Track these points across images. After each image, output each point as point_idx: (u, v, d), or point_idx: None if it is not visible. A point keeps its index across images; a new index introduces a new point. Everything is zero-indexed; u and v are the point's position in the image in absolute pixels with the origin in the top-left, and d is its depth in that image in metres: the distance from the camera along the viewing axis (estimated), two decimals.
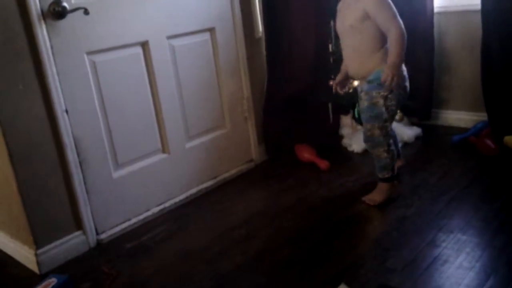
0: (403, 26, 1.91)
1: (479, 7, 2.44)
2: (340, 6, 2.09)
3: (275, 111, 2.75)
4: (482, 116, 2.65)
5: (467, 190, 2.16)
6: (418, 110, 2.94)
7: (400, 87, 1.99)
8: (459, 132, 2.72)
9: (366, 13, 1.92)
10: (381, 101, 1.98)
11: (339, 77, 2.19)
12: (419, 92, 2.88)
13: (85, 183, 2.03)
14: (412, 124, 2.92)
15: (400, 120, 2.81)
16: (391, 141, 2.08)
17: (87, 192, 2.04)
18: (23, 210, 1.87)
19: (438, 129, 2.93)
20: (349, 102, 2.68)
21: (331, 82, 2.31)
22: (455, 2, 2.77)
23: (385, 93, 1.97)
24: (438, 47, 2.84)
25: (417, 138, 2.82)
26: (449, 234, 1.83)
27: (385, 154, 2.06)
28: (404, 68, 2.02)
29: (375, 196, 2.13)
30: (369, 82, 2.00)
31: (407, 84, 2.05)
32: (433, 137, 2.85)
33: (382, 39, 1.96)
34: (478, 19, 2.46)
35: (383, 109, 1.99)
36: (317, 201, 2.25)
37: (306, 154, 2.68)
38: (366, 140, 2.10)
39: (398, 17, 1.91)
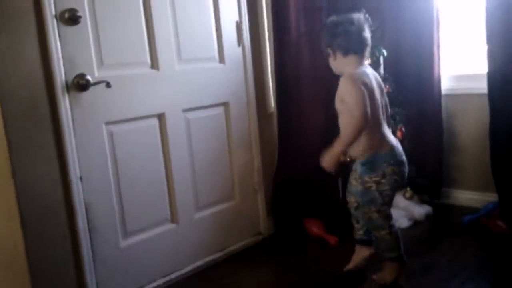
0: (364, 116, 1.80)
1: (486, 90, 2.51)
2: None
3: (285, 184, 2.77)
4: (493, 197, 2.64)
5: (480, 272, 2.11)
6: (428, 188, 2.94)
7: (395, 173, 1.92)
8: (470, 212, 2.70)
9: (342, 96, 1.90)
10: (373, 186, 1.92)
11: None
12: (429, 170, 2.91)
13: (92, 252, 2.02)
14: (422, 202, 2.91)
15: (410, 198, 2.81)
16: (392, 222, 2.01)
17: (93, 260, 2.03)
18: (28, 276, 1.85)
19: (449, 208, 2.91)
20: None
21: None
22: (463, 85, 2.85)
23: (378, 178, 1.91)
24: (447, 128, 2.89)
25: (427, 216, 2.80)
26: None
27: (388, 236, 1.99)
28: (401, 153, 1.96)
29: (385, 276, 2.07)
30: (362, 164, 1.94)
31: (405, 169, 1.97)
32: (444, 216, 2.82)
33: (376, 123, 1.90)
34: (485, 101, 2.53)
35: (377, 193, 1.93)
36: (324, 277, 2.20)
37: (315, 228, 2.66)
38: (366, 223, 2.05)
39: (364, 107, 1.80)
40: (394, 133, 2.74)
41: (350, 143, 1.86)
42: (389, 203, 1.99)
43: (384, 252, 2.05)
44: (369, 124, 1.82)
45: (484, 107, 2.55)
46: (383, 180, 1.91)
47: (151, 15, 2.17)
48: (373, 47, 2.69)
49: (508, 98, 2.44)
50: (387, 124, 2.01)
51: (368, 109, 1.80)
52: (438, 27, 2.77)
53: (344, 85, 1.86)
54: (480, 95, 2.64)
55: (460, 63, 2.91)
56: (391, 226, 2.00)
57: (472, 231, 2.56)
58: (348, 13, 1.95)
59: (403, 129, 2.77)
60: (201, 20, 2.39)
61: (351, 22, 1.89)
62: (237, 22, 2.54)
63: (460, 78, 2.89)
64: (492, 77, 2.48)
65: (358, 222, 2.10)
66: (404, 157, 1.98)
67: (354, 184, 1.99)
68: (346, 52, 1.89)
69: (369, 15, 2.68)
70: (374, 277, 2.09)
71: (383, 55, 2.74)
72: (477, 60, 2.77)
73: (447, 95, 2.86)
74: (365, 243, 2.12)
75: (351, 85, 1.84)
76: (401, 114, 2.77)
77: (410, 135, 2.82)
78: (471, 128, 2.84)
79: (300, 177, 2.55)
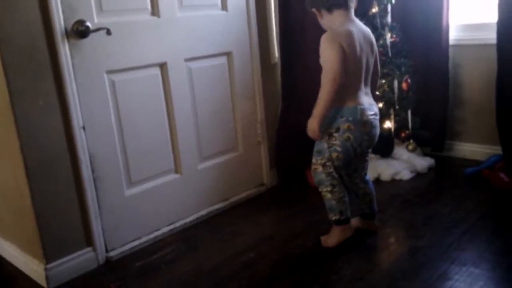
0: (337, 77, 1.77)
1: (495, 41, 2.46)
2: None
3: (288, 136, 2.76)
4: (497, 150, 2.64)
5: (480, 223, 2.14)
6: (432, 140, 2.93)
7: (350, 130, 1.87)
8: (473, 165, 2.71)
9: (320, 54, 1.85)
10: (325, 137, 1.91)
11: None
12: (433, 123, 2.89)
13: (97, 200, 2.04)
14: (425, 154, 2.91)
15: (413, 150, 2.80)
16: (338, 183, 1.95)
17: (99, 208, 2.05)
18: (35, 224, 1.88)
19: (452, 161, 2.91)
20: None
21: None
22: (471, 35, 2.79)
23: (331, 131, 1.89)
24: (452, 79, 2.85)
25: (430, 168, 2.81)
26: (461, 267, 1.81)
27: (329, 195, 1.95)
28: (369, 114, 1.89)
29: (328, 239, 2.04)
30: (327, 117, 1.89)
31: (370, 131, 1.91)
32: (447, 168, 2.83)
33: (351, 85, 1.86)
34: (493, 52, 2.48)
35: (325, 145, 1.91)
36: (327, 227, 2.23)
37: None
38: (312, 173, 2.01)
39: (337, 69, 1.77)
40: (399, 84, 2.73)
41: (329, 105, 1.82)
42: (339, 162, 1.92)
43: (328, 212, 2.00)
44: (342, 84, 1.79)
45: (492, 58, 2.51)
46: (335, 134, 1.89)
47: None
48: None
49: None
50: (371, 84, 1.96)
51: (342, 70, 1.77)
52: None
53: (321, 43, 1.82)
54: (488, 45, 2.58)
55: (469, 12, 2.83)
56: (333, 186, 1.94)
57: (474, 183, 2.57)
58: None
59: (408, 80, 2.73)
60: None
61: None
62: None
63: (468, 27, 2.82)
64: (501, 27, 2.41)
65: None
66: (372, 119, 1.90)
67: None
68: (329, 8, 1.84)
69: None
70: (321, 237, 2.08)
71: (391, 2, 2.67)
72: (486, 9, 2.69)
73: (455, 45, 2.80)
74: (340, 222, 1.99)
75: (326, 45, 1.80)
76: (407, 64, 2.72)
77: (416, 87, 2.78)
78: (477, 80, 2.79)
79: (304, 128, 2.52)
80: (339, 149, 1.91)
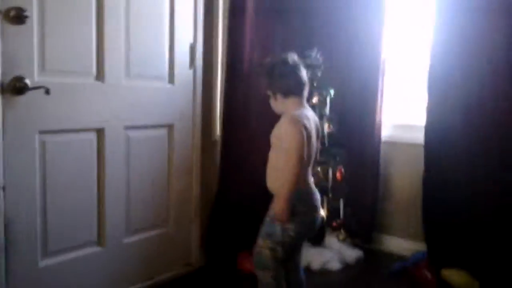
0: (300, 159, 1.74)
1: (422, 142, 2.62)
2: None
3: (222, 215, 2.70)
4: (422, 246, 2.72)
5: None
6: (361, 232, 2.99)
7: (304, 214, 1.83)
8: (399, 259, 2.76)
9: (280, 134, 1.83)
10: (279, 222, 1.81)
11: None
12: (363, 214, 2.96)
13: (6, 271, 1.83)
14: (354, 245, 2.94)
15: (344, 240, 2.83)
16: (281, 269, 1.87)
17: (6, 281, 1.83)
18: None
19: (379, 254, 2.96)
20: None
21: None
22: (402, 134, 2.97)
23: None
24: (383, 174, 2.98)
25: (358, 260, 2.82)
26: None
27: (271, 281, 1.85)
28: (317, 198, 1.89)
29: None
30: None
31: (316, 216, 1.89)
32: (374, 261, 2.86)
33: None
34: (421, 152, 2.63)
35: (278, 228, 1.81)
36: None
37: (248, 264, 2.59)
38: (254, 256, 1.89)
39: (301, 151, 1.75)
40: (333, 174, 2.81)
41: (293, 186, 1.76)
42: (288, 248, 1.85)
43: None
44: (302, 166, 1.77)
45: (420, 157, 2.65)
46: (291, 217, 1.80)
47: (103, 25, 2.08)
48: (321, 87, 2.76)
49: (443, 151, 2.56)
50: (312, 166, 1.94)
51: (304, 154, 1.77)
52: (383, 77, 2.88)
53: (285, 125, 1.81)
54: (417, 145, 2.74)
55: (401, 113, 3.04)
56: (279, 272, 1.86)
57: (399, 279, 2.60)
58: (269, 48, 1.93)
59: (342, 170, 2.81)
60: (155, 38, 2.33)
61: (286, 63, 1.86)
62: (191, 44, 2.50)
63: (399, 127, 3.01)
64: (429, 130, 2.59)
65: None
66: (317, 203, 1.90)
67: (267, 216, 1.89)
68: (286, 94, 1.85)
69: (322, 53, 2.77)
70: None
71: (331, 95, 2.80)
72: (416, 111, 2.90)
73: (386, 142, 2.96)
74: None
75: (292, 127, 1.78)
76: (342, 155, 2.82)
77: (349, 177, 2.87)
78: (406, 176, 2.93)
79: (240, 209, 2.50)
80: (292, 233, 1.82)
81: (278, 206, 1.79)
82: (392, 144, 2.98)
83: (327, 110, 2.85)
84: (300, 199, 1.82)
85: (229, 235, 2.66)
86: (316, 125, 1.92)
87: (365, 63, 2.90)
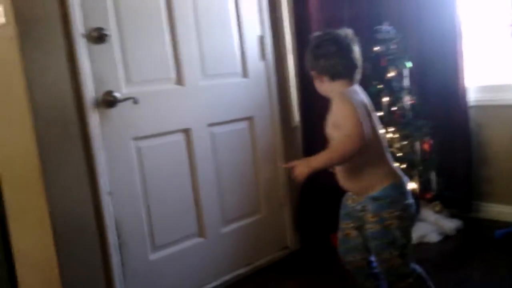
0: (362, 135, 1.50)
1: None
2: None
3: (311, 199, 2.75)
4: None
5: None
6: (458, 201, 2.88)
7: (411, 206, 1.63)
8: (502, 226, 2.62)
9: (336, 120, 1.59)
10: (394, 223, 1.57)
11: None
12: (459, 184, 2.85)
13: (122, 265, 2.05)
14: (452, 216, 2.85)
15: (440, 211, 2.75)
16: (415, 266, 1.66)
17: (123, 274, 2.05)
18: None
19: (481, 222, 2.83)
20: None
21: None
22: (491, 96, 2.80)
23: (399, 213, 1.58)
24: (476, 139, 2.84)
25: (458, 230, 2.73)
26: None
27: (415, 282, 1.63)
28: (405, 180, 1.65)
29: None
30: (376, 199, 1.59)
31: (411, 202, 1.64)
32: (476, 230, 2.75)
33: (379, 148, 1.61)
34: None
35: (398, 232, 1.58)
36: None
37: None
38: (387, 273, 1.65)
39: (361, 127, 1.51)
40: (421, 146, 2.74)
41: (337, 162, 1.58)
42: (410, 242, 1.66)
43: None
44: (365, 143, 1.51)
45: None
46: (405, 214, 1.60)
47: (175, 31, 2.22)
48: (397, 59, 2.70)
49: None
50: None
51: (367, 129, 1.52)
52: (461, 38, 2.73)
53: (337, 106, 1.59)
54: (508, 106, 2.58)
55: (488, 74, 2.86)
56: (414, 270, 1.65)
57: (505, 245, 2.48)
58: (337, 28, 1.66)
59: (430, 141, 2.73)
60: (224, 35, 2.43)
61: (334, 41, 1.60)
62: (259, 37, 2.57)
63: (487, 88, 2.84)
64: None
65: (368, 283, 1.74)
66: (408, 189, 1.68)
67: (369, 227, 1.62)
68: (332, 77, 1.62)
69: (393, 27, 2.70)
70: None
71: (407, 67, 2.73)
72: (504, 70, 2.72)
73: (475, 106, 2.81)
74: None
75: (345, 105, 1.55)
76: (427, 126, 2.73)
77: (438, 148, 2.78)
78: (501, 139, 2.77)
79: (326, 191, 2.52)
80: (410, 229, 1.67)
81: (305, 166, 1.56)
82: (482, 107, 2.82)
83: (406, 82, 2.78)
84: (404, 191, 1.62)
85: (320, 217, 2.70)
86: (368, 103, 1.65)
87: (439, 28, 2.76)
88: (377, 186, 1.59)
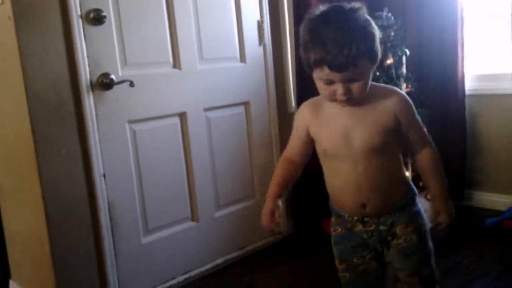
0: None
1: (510, 91, 2.47)
2: (328, 111, 1.34)
3: (305, 185, 2.76)
4: None
5: (503, 276, 2.08)
6: (451, 190, 2.89)
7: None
8: (493, 215, 2.65)
9: (397, 121, 1.28)
10: (427, 231, 1.36)
11: (270, 206, 1.37)
12: (452, 172, 2.86)
13: (114, 247, 2.06)
14: None
15: (432, 199, 2.77)
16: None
17: (115, 256, 2.06)
18: (52, 272, 1.90)
19: (472, 211, 2.86)
20: None
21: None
22: (487, 85, 2.81)
23: (425, 220, 1.39)
24: (470, 128, 2.85)
25: None
26: None
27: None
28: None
29: None
30: (403, 209, 1.34)
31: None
32: (467, 218, 2.78)
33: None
34: (510, 101, 2.48)
35: (431, 242, 1.37)
36: None
37: None
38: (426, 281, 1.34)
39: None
40: None
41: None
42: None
43: None
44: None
45: (509, 107, 2.51)
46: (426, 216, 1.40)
47: (173, 15, 2.20)
48: (395, 46, 2.68)
49: None
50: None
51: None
52: (462, 26, 2.72)
53: (406, 101, 1.32)
54: (504, 95, 2.59)
55: (485, 63, 2.86)
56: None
57: (495, 234, 2.52)
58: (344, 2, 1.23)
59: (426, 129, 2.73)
60: (223, 20, 2.41)
61: (324, 22, 1.16)
62: (258, 22, 2.55)
63: (484, 77, 2.84)
64: None
65: None
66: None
67: (401, 242, 1.33)
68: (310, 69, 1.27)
69: (392, 13, 2.68)
70: None
71: (406, 54, 2.72)
72: (501, 59, 2.72)
73: (471, 95, 2.82)
74: None
75: (410, 102, 1.30)
76: (424, 114, 2.73)
77: (433, 136, 2.77)
78: (495, 129, 2.79)
79: (320, 177, 2.53)
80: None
81: (450, 209, 1.36)
82: (478, 96, 2.82)
83: (404, 69, 2.77)
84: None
85: (313, 203, 2.72)
86: None
87: (440, 16, 2.75)
88: (402, 191, 1.37)
